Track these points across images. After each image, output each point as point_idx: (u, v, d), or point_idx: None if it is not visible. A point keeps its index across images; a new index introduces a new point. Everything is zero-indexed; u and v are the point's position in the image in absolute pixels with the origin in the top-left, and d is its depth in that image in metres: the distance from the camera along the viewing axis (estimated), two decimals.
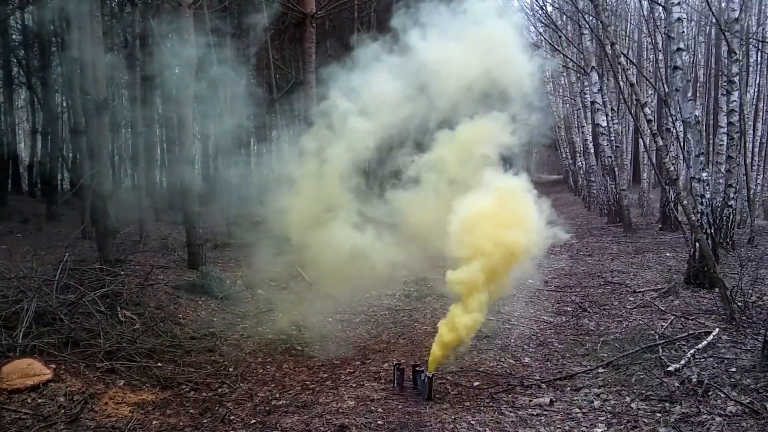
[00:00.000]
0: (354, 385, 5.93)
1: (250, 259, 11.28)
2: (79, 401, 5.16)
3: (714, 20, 16.26)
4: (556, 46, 23.29)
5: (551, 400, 5.37)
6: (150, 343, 6.70)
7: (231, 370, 6.42)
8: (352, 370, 6.42)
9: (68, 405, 5.10)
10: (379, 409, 5.29)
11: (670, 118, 12.72)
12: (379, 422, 5.01)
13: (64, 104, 22.71)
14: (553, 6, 25.46)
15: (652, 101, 20.62)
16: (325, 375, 6.31)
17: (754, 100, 17.04)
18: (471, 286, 5.72)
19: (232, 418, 5.18)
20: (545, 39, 25.37)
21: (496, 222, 5.66)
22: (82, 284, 7.38)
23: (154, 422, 5.05)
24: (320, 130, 7.02)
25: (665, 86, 12.40)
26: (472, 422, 4.97)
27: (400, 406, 5.36)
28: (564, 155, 37.90)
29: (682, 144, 11.82)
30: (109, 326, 6.70)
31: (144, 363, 6.24)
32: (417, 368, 5.76)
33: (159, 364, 6.33)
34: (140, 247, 11.32)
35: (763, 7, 18.45)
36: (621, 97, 20.50)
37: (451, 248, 5.86)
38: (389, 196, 6.95)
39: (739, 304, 7.45)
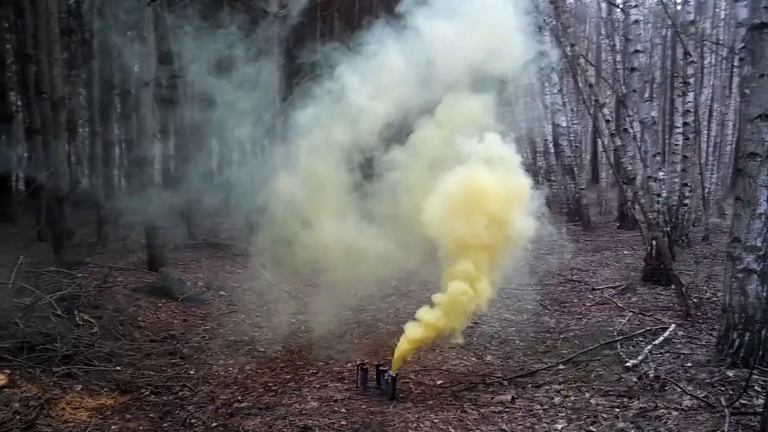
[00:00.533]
0: (317, 386, 5.91)
1: (211, 259, 11.19)
2: (34, 407, 5.03)
3: (670, 23, 16.63)
4: None
5: (513, 398, 5.43)
6: (109, 346, 6.57)
7: (192, 372, 6.34)
8: (315, 371, 6.40)
9: (23, 411, 4.97)
10: (343, 410, 5.28)
11: (627, 119, 12.95)
12: (342, 423, 5.00)
13: (19, 103, 22.13)
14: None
15: (610, 102, 20.93)
16: (288, 376, 6.28)
17: (709, 101, 17.49)
18: (469, 247, 5.56)
19: (193, 421, 5.12)
20: None
21: (486, 197, 5.52)
22: (37, 287, 7.19)
23: (113, 427, 4.96)
24: (315, 114, 6.80)
25: (623, 87, 12.64)
26: (435, 420, 5.00)
27: (363, 406, 5.36)
28: (525, 155, 38.34)
29: (639, 144, 12.04)
30: (66, 330, 6.55)
31: (102, 367, 6.12)
32: (380, 368, 5.77)
33: (118, 367, 6.21)
34: (98, 248, 11.10)
35: (717, 11, 18.95)
36: (580, 97, 20.79)
37: (434, 229, 5.70)
38: (376, 186, 6.79)
39: (695, 300, 7.63)
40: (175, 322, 8.01)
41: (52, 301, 6.90)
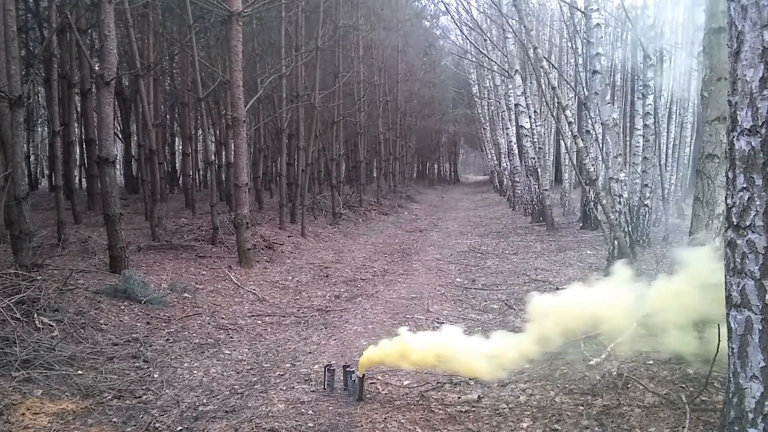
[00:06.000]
0: (284, 388, 5.88)
1: (176, 261, 11.04)
2: None
3: (630, 26, 16.96)
4: (482, 50, 23.79)
5: (479, 397, 5.47)
6: (70, 350, 6.45)
7: (156, 376, 6.25)
8: (281, 373, 6.37)
9: None
10: (310, 412, 5.27)
11: (589, 121, 13.16)
12: (309, 425, 4.99)
13: None
14: (478, 11, 26.01)
15: (572, 104, 21.28)
16: (255, 378, 6.23)
17: (668, 104, 17.86)
18: None
19: (157, 425, 5.05)
20: (471, 42, 25.90)
21: None
22: None
23: None
24: None
25: (585, 90, 12.83)
26: (403, 421, 5.01)
27: (330, 408, 5.35)
28: (489, 156, 38.71)
29: (601, 145, 12.24)
30: (25, 333, 6.41)
31: (63, 371, 5.99)
32: (347, 369, 5.76)
33: (79, 371, 6.10)
34: (58, 250, 10.87)
35: (675, 15, 19.38)
36: (543, 99, 21.09)
37: None
38: None
39: None
40: (139, 324, 7.88)
41: (11, 303, 6.75)
